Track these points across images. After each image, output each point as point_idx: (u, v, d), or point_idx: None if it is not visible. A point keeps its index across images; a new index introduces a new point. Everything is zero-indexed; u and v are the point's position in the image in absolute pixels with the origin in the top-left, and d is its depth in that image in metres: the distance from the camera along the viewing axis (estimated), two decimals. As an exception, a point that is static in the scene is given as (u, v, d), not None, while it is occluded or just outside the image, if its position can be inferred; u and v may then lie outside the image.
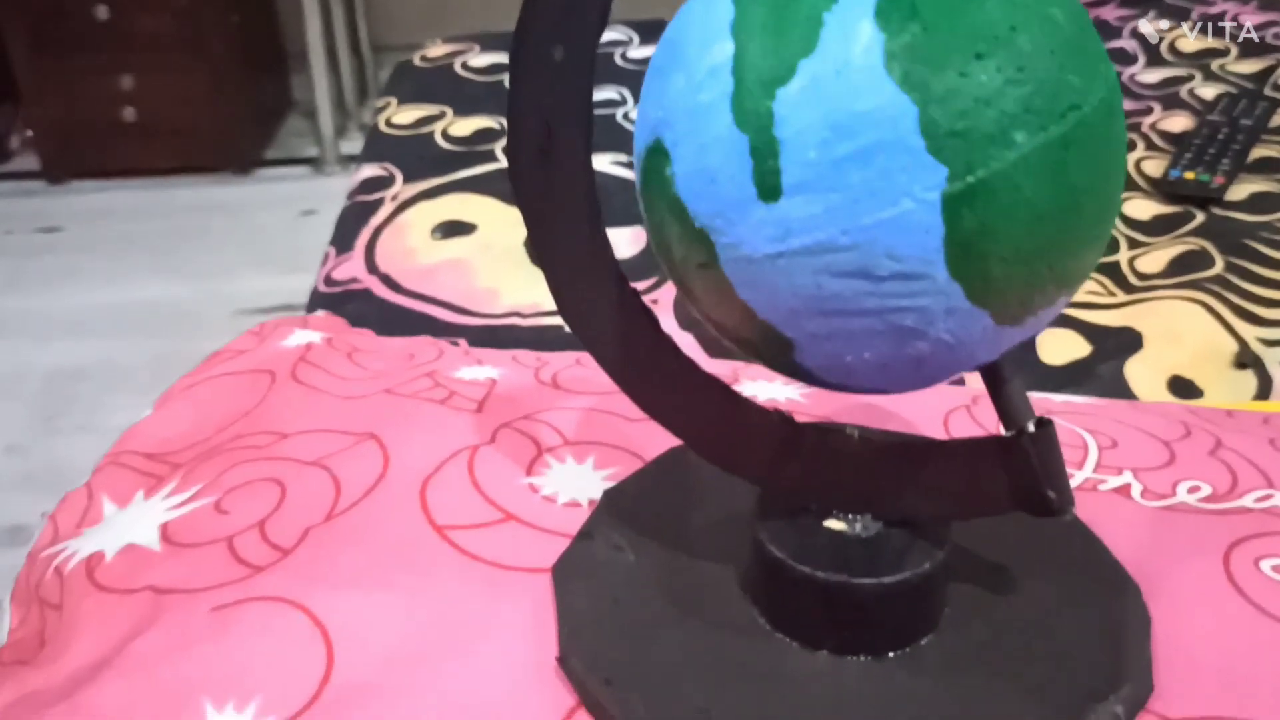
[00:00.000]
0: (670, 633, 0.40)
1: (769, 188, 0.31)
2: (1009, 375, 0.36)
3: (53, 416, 1.73)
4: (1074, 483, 0.47)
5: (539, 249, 0.40)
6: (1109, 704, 0.36)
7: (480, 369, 0.57)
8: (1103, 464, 0.48)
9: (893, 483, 0.39)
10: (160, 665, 0.40)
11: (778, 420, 0.39)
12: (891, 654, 0.38)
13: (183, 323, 1.94)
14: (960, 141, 0.30)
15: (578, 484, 0.47)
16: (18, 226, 2.23)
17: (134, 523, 0.48)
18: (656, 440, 0.47)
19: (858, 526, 0.39)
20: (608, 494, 0.46)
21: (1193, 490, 0.46)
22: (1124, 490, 0.46)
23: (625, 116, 1.18)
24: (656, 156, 0.34)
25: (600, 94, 1.21)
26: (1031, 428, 0.36)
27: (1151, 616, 0.40)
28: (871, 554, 0.38)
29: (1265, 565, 0.42)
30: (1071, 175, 0.31)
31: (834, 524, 0.39)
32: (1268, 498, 0.46)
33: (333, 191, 2.32)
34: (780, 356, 0.35)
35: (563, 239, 0.39)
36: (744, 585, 0.41)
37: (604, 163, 1.06)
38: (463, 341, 0.81)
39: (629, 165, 1.08)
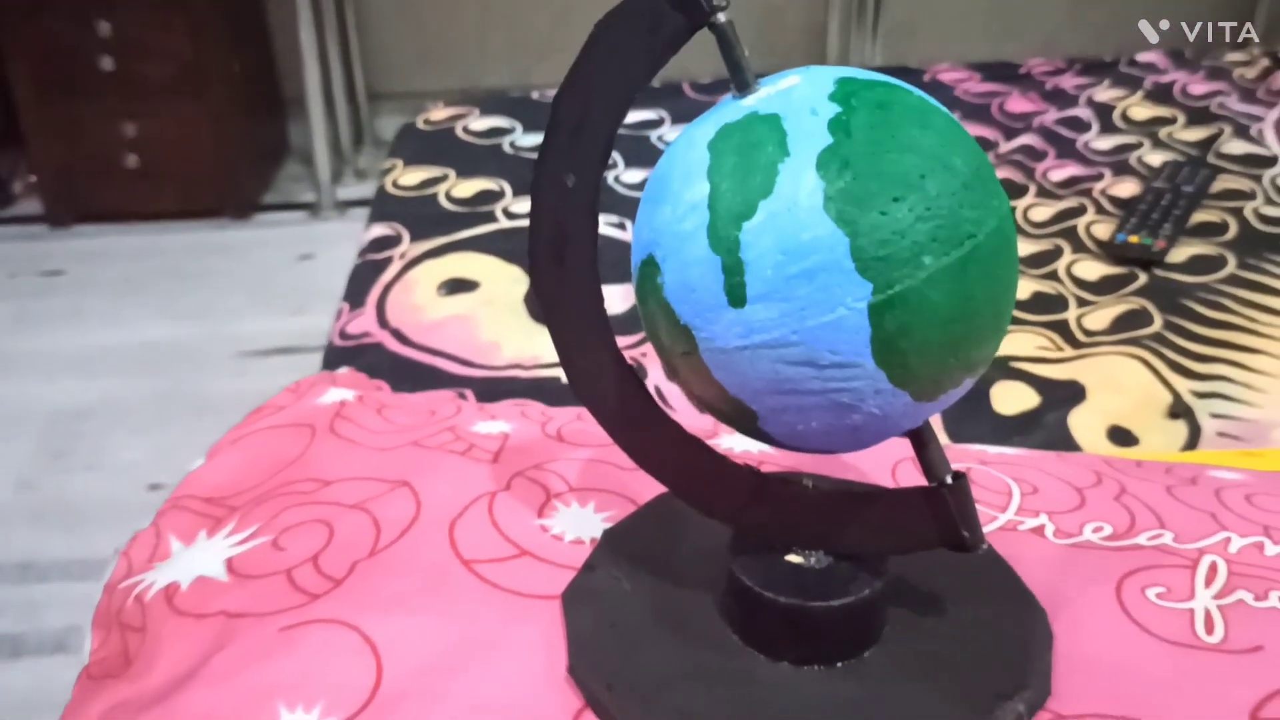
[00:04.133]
0: (659, 648, 0.48)
1: (737, 297, 0.40)
2: (928, 439, 0.45)
3: (60, 455, 1.77)
4: (997, 524, 0.56)
5: (553, 332, 0.49)
6: (1014, 703, 0.45)
7: (494, 423, 0.66)
8: (1023, 508, 0.57)
9: (840, 524, 0.47)
10: (238, 676, 0.49)
11: (747, 472, 0.48)
12: (840, 664, 0.47)
13: (184, 363, 1.99)
14: (882, 264, 0.39)
15: (582, 524, 0.56)
16: (21, 269, 2.29)
17: (201, 558, 0.57)
18: (648, 487, 0.56)
19: (812, 559, 0.48)
20: (607, 533, 0.55)
21: (1096, 530, 0.55)
22: (1039, 530, 0.55)
23: (617, 179, 1.27)
24: (649, 268, 0.43)
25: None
26: (949, 480, 0.45)
27: (1054, 634, 0.49)
28: (824, 582, 0.47)
29: (1150, 593, 0.51)
30: (969, 288, 0.40)
31: (793, 558, 0.48)
32: (1158, 536, 0.55)
33: (330, 236, 2.39)
34: (747, 424, 0.44)
35: (573, 325, 0.48)
36: (720, 608, 0.50)
37: (599, 224, 1.15)
38: (470, 394, 0.90)
39: (622, 226, 1.17)
